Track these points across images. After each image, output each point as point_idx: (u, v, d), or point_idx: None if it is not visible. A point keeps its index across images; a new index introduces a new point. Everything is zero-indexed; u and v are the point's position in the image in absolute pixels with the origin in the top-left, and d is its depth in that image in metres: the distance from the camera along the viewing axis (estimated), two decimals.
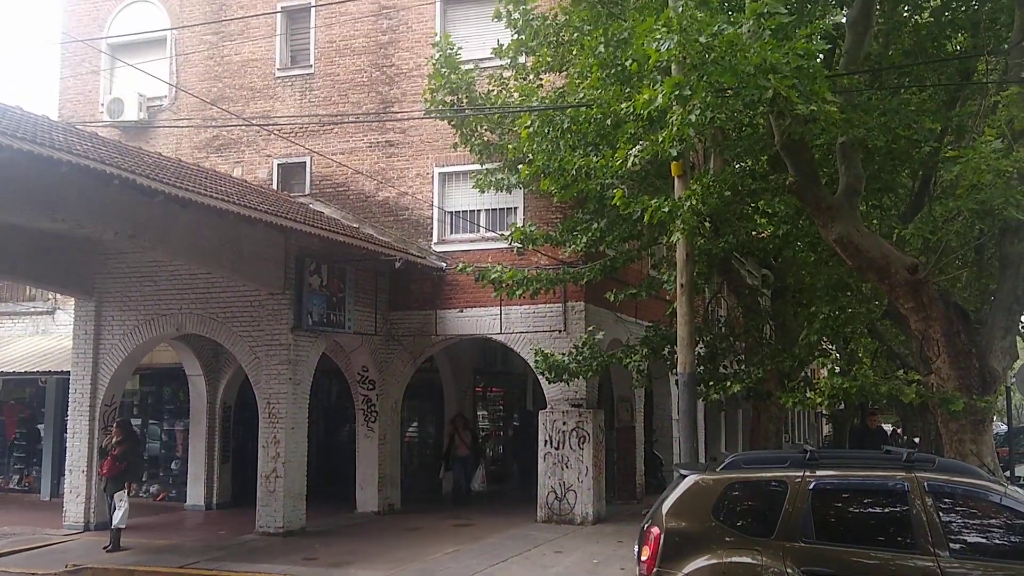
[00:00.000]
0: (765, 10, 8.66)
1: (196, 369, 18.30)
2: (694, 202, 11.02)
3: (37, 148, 9.73)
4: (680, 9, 9.16)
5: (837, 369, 15.02)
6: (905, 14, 14.31)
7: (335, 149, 18.25)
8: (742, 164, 14.18)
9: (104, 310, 16.26)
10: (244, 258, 14.46)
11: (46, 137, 10.69)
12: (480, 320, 16.98)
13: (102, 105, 19.62)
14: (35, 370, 18.60)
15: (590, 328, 15.84)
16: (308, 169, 18.54)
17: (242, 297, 15.38)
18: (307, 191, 18.43)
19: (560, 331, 16.38)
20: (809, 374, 18.92)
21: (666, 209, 10.96)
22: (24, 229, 13.69)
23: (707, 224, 14.00)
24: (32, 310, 20.76)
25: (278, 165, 18.76)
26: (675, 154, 10.48)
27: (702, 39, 8.68)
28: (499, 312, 16.74)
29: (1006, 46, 11.64)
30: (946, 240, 11.23)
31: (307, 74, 18.78)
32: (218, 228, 13.68)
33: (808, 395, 12.78)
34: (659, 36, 8.85)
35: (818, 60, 9.48)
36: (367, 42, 18.44)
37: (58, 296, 19.83)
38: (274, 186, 18.54)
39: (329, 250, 15.13)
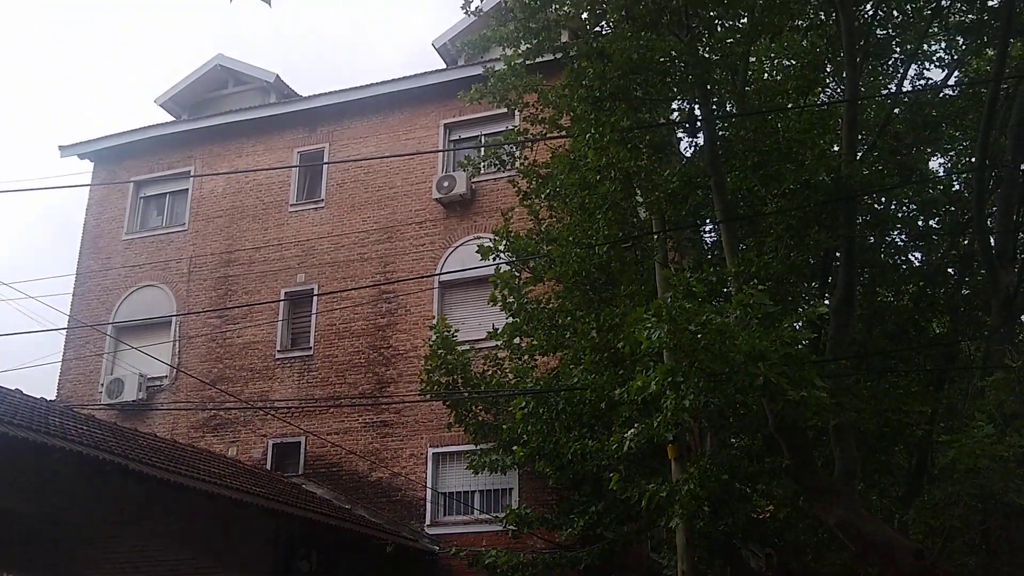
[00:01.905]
0: (751, 301, 9.00)
1: None
2: (692, 486, 10.91)
3: (32, 435, 9.77)
4: (669, 299, 9.51)
5: None
6: (886, 299, 14.91)
7: (330, 429, 18.27)
8: (738, 443, 14.18)
9: None
10: (233, 542, 14.06)
11: (42, 422, 10.78)
12: None
13: (102, 385, 19.84)
14: None
15: None
16: (303, 449, 18.46)
17: None
18: (301, 471, 18.25)
19: None
20: None
21: (664, 494, 10.84)
22: (8, 513, 13.40)
23: (706, 508, 13.77)
24: None
25: (273, 445, 18.71)
26: (670, 438, 10.52)
27: (691, 327, 8.96)
28: None
29: (986, 332, 12.01)
30: (949, 524, 11.03)
31: (306, 356, 19.18)
32: (208, 512, 13.39)
33: None
34: (649, 325, 9.13)
35: (805, 346, 9.77)
36: (366, 325, 18.97)
37: None
38: (268, 466, 18.38)
39: (320, 533, 14.75)
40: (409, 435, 17.83)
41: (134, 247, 21.51)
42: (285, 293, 19.72)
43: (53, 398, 18.83)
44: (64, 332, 20.80)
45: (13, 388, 13.17)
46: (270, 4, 3.37)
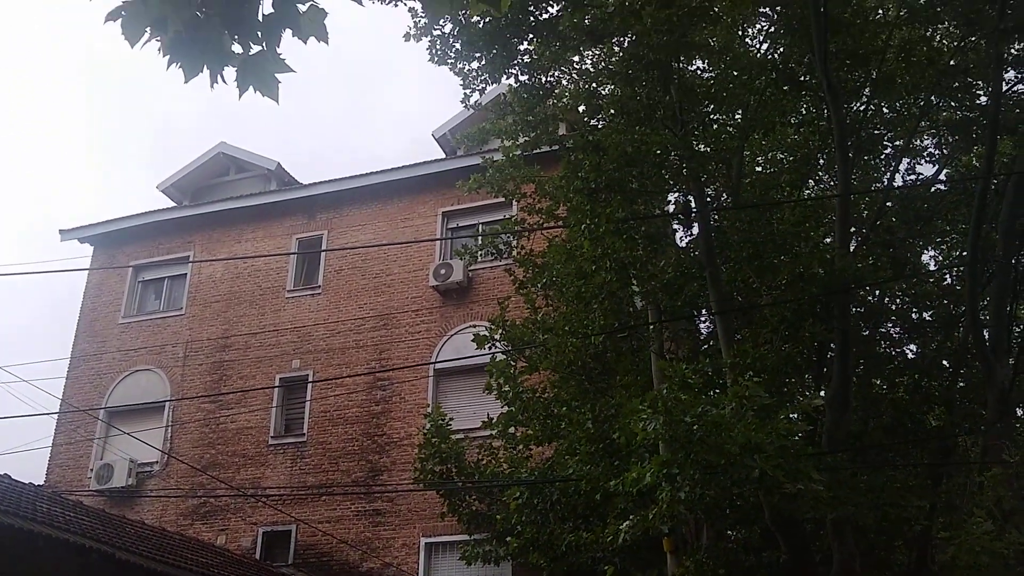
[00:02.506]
0: (747, 393, 9.01)
1: None
2: None
3: (19, 522, 9.64)
4: (664, 391, 9.51)
5: None
6: (882, 391, 14.88)
7: (322, 517, 18.01)
8: (735, 536, 13.98)
9: None
10: None
11: (29, 508, 10.64)
12: None
13: (91, 471, 19.62)
14: None
15: None
16: (293, 538, 18.15)
17: None
18: (291, 560, 17.92)
19: None
20: None
21: None
22: None
23: None
24: None
25: (263, 533, 18.41)
26: (666, 530, 10.40)
27: (687, 419, 8.95)
28: None
29: (982, 425, 11.99)
30: None
31: (300, 442, 19.01)
32: None
33: None
34: (645, 416, 9.12)
35: (801, 438, 9.73)
36: (360, 412, 18.86)
37: None
38: (257, 555, 18.05)
39: None
40: (402, 524, 17.58)
41: (130, 331, 21.51)
42: (280, 379, 19.65)
43: (41, 483, 18.62)
44: (55, 416, 20.66)
45: (1, 473, 13.03)
46: (277, 101, 3.47)
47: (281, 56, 3.52)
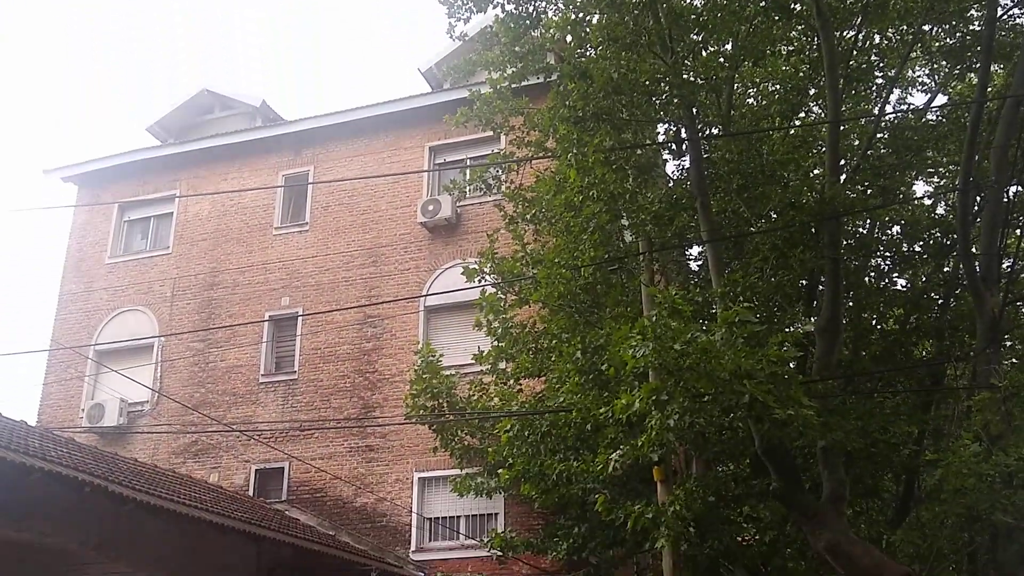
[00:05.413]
0: (736, 319, 8.98)
1: None
2: (677, 507, 10.83)
3: (11, 455, 9.62)
4: (654, 318, 9.48)
5: None
6: (872, 322, 14.91)
7: (315, 454, 18.09)
8: (725, 467, 14.10)
9: None
10: (216, 569, 13.84)
11: (21, 444, 10.60)
12: None
13: (82, 410, 19.63)
14: None
15: None
16: (286, 474, 18.26)
17: None
18: (284, 497, 18.05)
19: None
20: None
21: (650, 515, 10.75)
22: None
23: (691, 530, 13.66)
24: None
25: (256, 470, 18.50)
26: (656, 459, 10.45)
27: (677, 346, 8.92)
28: None
29: (972, 352, 12.02)
30: (937, 546, 10.98)
31: (291, 379, 19.02)
32: (188, 536, 13.18)
33: None
34: (634, 343, 9.10)
35: (791, 366, 9.74)
36: (351, 349, 18.85)
37: None
38: (251, 492, 18.16)
39: (302, 559, 14.54)
40: (395, 460, 17.69)
41: (117, 271, 21.37)
42: (269, 316, 19.59)
43: (34, 424, 18.63)
44: (46, 356, 20.60)
45: None
46: None
47: None
